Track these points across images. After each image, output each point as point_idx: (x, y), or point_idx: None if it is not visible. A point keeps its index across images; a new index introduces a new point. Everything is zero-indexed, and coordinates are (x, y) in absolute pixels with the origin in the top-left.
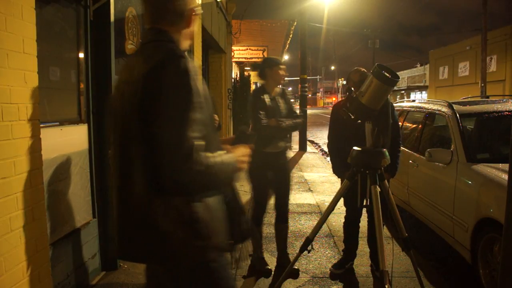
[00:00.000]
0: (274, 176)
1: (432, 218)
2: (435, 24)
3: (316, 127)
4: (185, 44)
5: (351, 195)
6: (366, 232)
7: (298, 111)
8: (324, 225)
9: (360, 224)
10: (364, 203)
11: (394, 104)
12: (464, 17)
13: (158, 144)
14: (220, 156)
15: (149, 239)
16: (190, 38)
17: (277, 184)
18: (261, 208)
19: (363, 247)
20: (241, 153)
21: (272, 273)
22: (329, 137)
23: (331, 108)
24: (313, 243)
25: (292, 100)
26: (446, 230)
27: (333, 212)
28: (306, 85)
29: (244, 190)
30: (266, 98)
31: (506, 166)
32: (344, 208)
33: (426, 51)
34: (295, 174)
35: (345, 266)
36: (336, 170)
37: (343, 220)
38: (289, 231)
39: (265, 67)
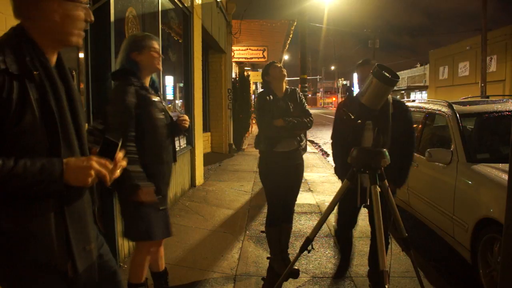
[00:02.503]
0: (286, 176)
1: (432, 218)
2: (435, 25)
3: (316, 127)
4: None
5: (345, 197)
6: (365, 232)
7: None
8: (324, 225)
9: (359, 224)
10: (360, 204)
11: None
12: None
13: None
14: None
15: None
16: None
17: (287, 183)
18: (274, 209)
19: (363, 247)
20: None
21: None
22: (332, 137)
23: (331, 108)
24: (313, 243)
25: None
26: (446, 230)
27: (333, 212)
28: (306, 85)
29: (244, 190)
30: (272, 99)
31: (506, 166)
32: None
33: (427, 52)
34: None
35: (345, 274)
36: (339, 171)
37: None
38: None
39: (263, 76)
